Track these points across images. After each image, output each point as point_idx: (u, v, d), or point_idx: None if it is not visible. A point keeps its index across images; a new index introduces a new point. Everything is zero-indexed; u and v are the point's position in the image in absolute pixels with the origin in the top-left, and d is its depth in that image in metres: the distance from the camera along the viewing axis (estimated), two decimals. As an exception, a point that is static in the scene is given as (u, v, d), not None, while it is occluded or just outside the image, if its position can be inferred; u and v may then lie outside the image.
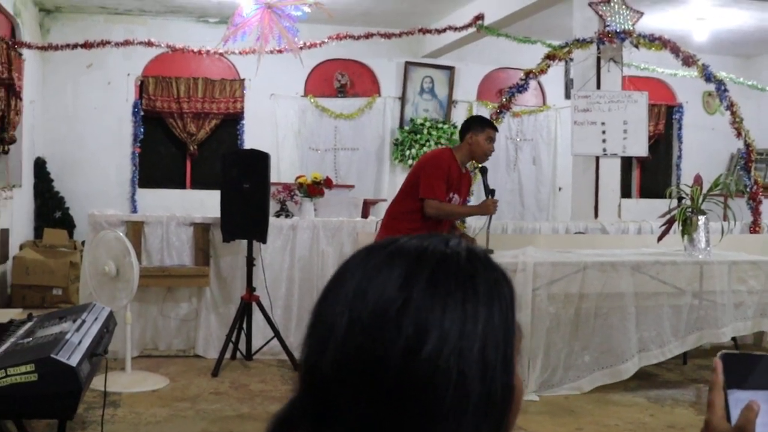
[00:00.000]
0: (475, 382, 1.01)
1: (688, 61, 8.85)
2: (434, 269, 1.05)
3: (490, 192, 7.05)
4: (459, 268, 1.07)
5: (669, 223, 7.39)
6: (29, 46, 11.13)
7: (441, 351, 1.00)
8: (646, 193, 15.12)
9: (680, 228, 7.29)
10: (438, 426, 1.00)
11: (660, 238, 7.51)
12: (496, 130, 6.99)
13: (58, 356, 3.19)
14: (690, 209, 7.26)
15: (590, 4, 9.15)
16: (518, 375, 1.11)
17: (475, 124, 6.95)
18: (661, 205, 8.28)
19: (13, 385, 3.12)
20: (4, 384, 3.12)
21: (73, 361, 3.20)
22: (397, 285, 1.03)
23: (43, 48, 11.55)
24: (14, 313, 4.81)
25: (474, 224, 7.92)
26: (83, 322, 3.86)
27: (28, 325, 4.09)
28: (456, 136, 13.71)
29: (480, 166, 7.71)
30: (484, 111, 13.71)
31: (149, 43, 11.20)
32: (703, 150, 14.76)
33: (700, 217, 7.22)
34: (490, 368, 1.03)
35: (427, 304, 1.02)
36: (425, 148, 13.58)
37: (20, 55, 10.77)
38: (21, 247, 10.74)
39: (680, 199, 7.63)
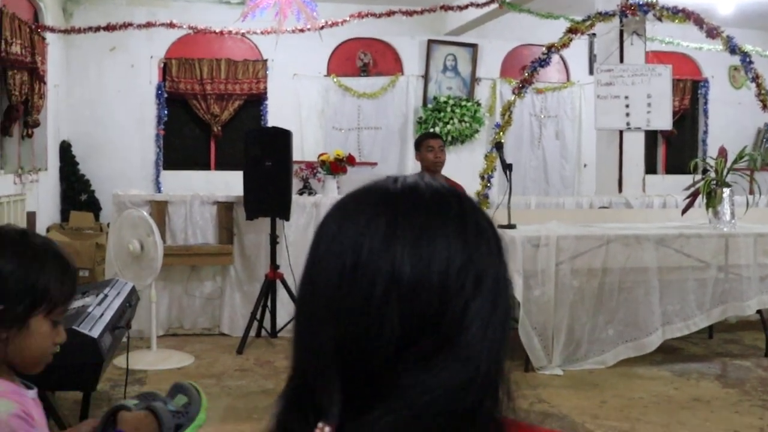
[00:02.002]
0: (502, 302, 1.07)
1: (712, 33, 8.76)
2: (476, 222, 1.09)
3: (507, 167, 7.14)
4: (485, 219, 1.12)
5: (693, 196, 7.34)
6: (52, 30, 11.18)
7: (487, 287, 1.05)
8: (672, 169, 15.03)
9: (705, 201, 7.25)
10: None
11: (684, 211, 7.46)
12: (434, 137, 7.69)
13: (80, 328, 3.22)
14: (714, 182, 7.21)
15: (612, -23, 9.10)
16: None
17: (416, 144, 7.71)
18: (687, 181, 8.22)
19: (34, 357, 3.14)
20: (27, 356, 3.14)
21: (95, 333, 3.23)
22: (460, 248, 1.05)
23: (66, 32, 11.61)
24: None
25: (495, 200, 7.92)
26: (105, 296, 3.89)
27: (51, 300, 4.11)
28: (479, 114, 13.73)
29: (496, 141, 7.83)
30: (507, 88, 13.67)
31: (171, 25, 11.25)
32: (730, 125, 14.62)
33: (724, 190, 7.17)
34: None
35: (483, 255, 1.07)
36: (449, 126, 13.57)
37: (43, 39, 10.83)
38: (48, 230, 10.82)
39: (705, 171, 7.58)
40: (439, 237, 1.04)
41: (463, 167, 10.98)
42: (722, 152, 7.36)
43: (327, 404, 1.04)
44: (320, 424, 1.04)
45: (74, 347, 3.17)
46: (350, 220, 1.07)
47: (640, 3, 8.94)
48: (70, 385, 3.46)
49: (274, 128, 7.98)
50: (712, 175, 7.30)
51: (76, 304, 3.74)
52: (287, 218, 7.71)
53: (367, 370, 1.02)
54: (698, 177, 7.58)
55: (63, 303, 2.05)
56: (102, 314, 3.55)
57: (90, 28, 11.17)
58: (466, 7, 11.43)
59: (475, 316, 1.03)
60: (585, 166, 14.36)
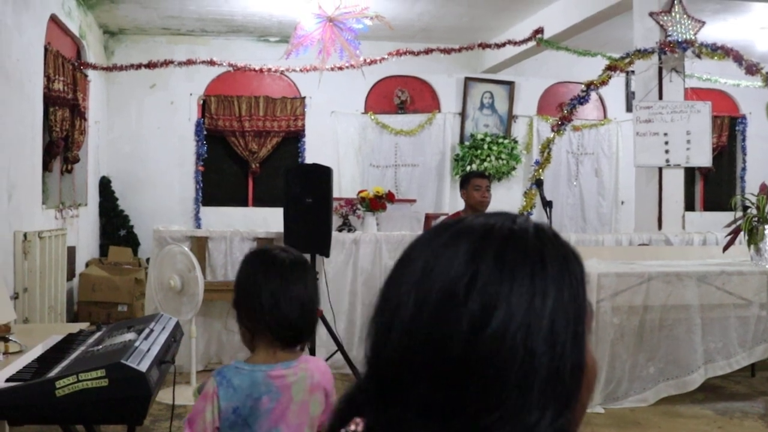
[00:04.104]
0: (542, 359, 0.99)
1: (752, 69, 8.73)
2: (501, 245, 1.04)
3: (547, 204, 7.14)
4: (527, 244, 1.05)
5: (734, 233, 7.29)
6: (94, 67, 11.33)
7: (508, 327, 0.99)
8: (709, 206, 14.94)
9: (746, 238, 7.20)
10: (503, 404, 0.98)
11: (725, 248, 7.41)
12: (482, 176, 7.62)
13: (128, 362, 3.23)
14: (756, 218, 7.16)
15: (651, 14, 9.10)
16: (591, 353, 1.09)
17: (462, 181, 7.67)
18: (725, 218, 8.18)
19: (84, 390, 3.16)
20: (76, 389, 3.16)
21: (143, 367, 3.25)
22: (463, 261, 1.03)
23: (108, 69, 11.75)
24: (83, 326, 4.88)
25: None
26: (151, 331, 3.92)
27: (98, 334, 4.15)
28: (516, 151, 13.75)
29: (536, 179, 7.84)
30: (544, 125, 13.70)
31: (211, 63, 11.35)
32: (768, 161, 14.56)
33: (766, 227, 7.12)
34: (558, 345, 1.01)
35: (494, 279, 1.01)
36: (486, 164, 13.58)
37: (86, 76, 10.97)
38: (87, 265, 10.92)
39: (745, 208, 7.54)
40: (449, 251, 1.05)
41: (499, 204, 10.97)
42: (764, 189, 7.31)
43: (363, 405, 1.07)
44: (357, 419, 1.07)
45: (123, 381, 3.19)
46: (441, 257, 1.07)
47: (679, 40, 8.94)
48: (118, 419, 3.47)
49: (315, 165, 8.00)
50: (754, 211, 7.26)
51: (123, 338, 3.76)
52: (327, 255, 7.72)
53: (386, 380, 1.05)
54: (739, 214, 7.53)
55: None
56: (149, 349, 3.57)
57: (131, 66, 11.31)
58: (504, 44, 11.49)
59: (491, 347, 0.99)
60: (622, 203, 14.32)
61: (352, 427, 1.05)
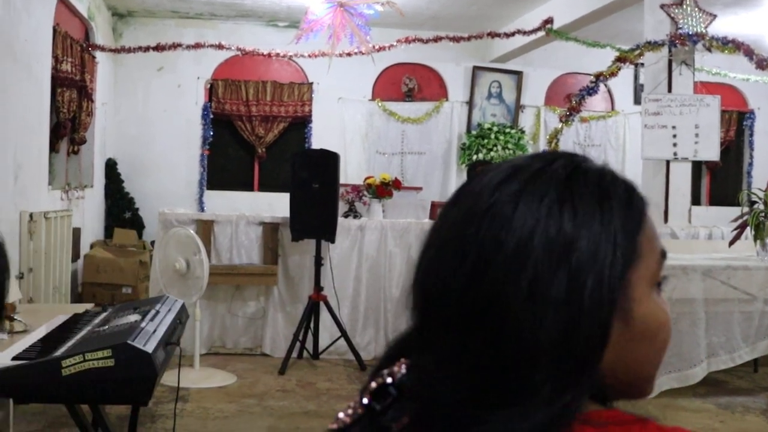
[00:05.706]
0: (560, 289, 0.97)
1: (762, 64, 8.71)
2: (528, 179, 1.02)
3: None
4: (553, 177, 1.03)
5: (741, 228, 7.28)
6: (102, 49, 11.31)
7: (530, 242, 0.97)
8: (716, 200, 14.90)
9: (753, 233, 7.19)
10: (513, 333, 0.97)
11: (731, 243, 7.40)
12: (486, 164, 7.60)
13: (134, 342, 3.24)
14: (763, 213, 7.15)
15: (662, 6, 9.06)
16: (657, 303, 1.06)
17: (468, 170, 7.58)
18: (731, 213, 8.17)
19: (90, 370, 3.17)
20: (82, 369, 3.17)
21: (149, 348, 3.26)
22: (493, 189, 1.03)
23: (116, 51, 11.73)
24: (88, 307, 4.89)
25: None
26: (157, 312, 3.93)
27: (103, 314, 4.16)
28: (523, 141, 13.72)
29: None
30: (552, 116, 13.68)
31: (220, 47, 11.33)
32: (776, 157, 14.53)
33: (773, 222, 7.12)
34: (581, 277, 0.97)
35: (508, 203, 1.00)
36: (492, 153, 13.54)
37: (93, 57, 10.95)
38: (92, 246, 10.92)
39: (752, 203, 7.52)
40: (500, 190, 1.03)
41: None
42: (771, 184, 7.30)
43: (408, 348, 1.09)
44: (403, 360, 1.07)
45: (129, 361, 3.20)
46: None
47: (690, 33, 8.91)
48: (123, 400, 3.50)
49: (322, 150, 8.01)
50: (761, 207, 7.24)
51: (129, 319, 3.77)
52: (333, 240, 7.73)
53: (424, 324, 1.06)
54: (746, 209, 7.52)
55: None
56: (155, 330, 3.58)
57: (139, 48, 11.29)
58: (513, 34, 11.46)
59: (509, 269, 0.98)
60: (628, 195, 14.28)
61: (396, 368, 1.06)
